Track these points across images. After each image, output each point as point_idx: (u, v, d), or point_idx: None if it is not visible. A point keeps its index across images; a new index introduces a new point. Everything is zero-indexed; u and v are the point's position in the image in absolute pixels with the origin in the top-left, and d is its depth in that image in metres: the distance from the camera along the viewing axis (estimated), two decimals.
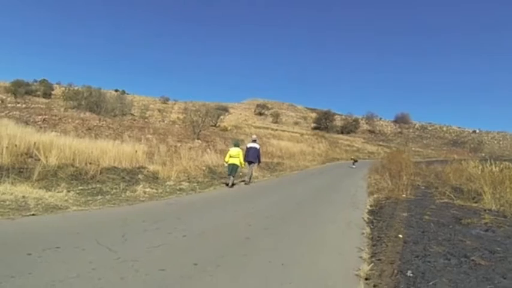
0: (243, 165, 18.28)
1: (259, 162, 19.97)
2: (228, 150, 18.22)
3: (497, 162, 21.11)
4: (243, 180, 19.30)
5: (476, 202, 13.50)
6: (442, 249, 7.20)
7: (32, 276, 4.93)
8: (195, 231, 8.11)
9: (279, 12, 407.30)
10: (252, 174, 19.52)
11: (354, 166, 37.72)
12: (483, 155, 66.26)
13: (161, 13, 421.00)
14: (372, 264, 6.46)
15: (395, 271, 5.99)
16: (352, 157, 43.18)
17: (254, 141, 20.25)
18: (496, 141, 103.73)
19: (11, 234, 6.85)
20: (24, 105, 44.29)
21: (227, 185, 17.31)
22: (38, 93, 69.61)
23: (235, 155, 17.55)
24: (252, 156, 19.16)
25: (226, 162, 17.62)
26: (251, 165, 19.25)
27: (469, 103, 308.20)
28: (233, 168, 17.34)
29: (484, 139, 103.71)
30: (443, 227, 9.36)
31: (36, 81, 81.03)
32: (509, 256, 6.78)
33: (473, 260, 6.47)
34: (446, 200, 14.08)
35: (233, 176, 17.38)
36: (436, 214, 11.14)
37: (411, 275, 5.77)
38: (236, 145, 18.39)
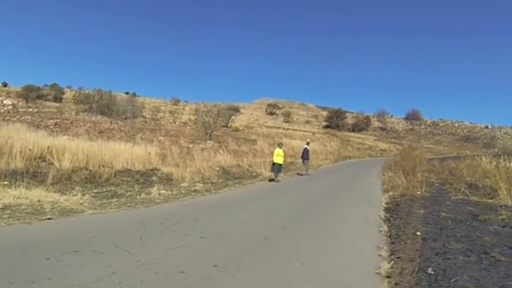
0: (284, 162, 21.49)
1: (309, 159, 26.20)
2: (274, 150, 20.91)
3: (511, 158, 20.97)
4: (298, 173, 25.19)
5: (491, 198, 13.46)
6: (461, 246, 7.16)
7: (51, 280, 4.94)
8: (212, 233, 8.09)
9: (288, 14, 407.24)
10: (307, 168, 25.66)
11: None
12: (496, 150, 65.71)
13: (170, 16, 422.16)
14: (392, 262, 6.44)
15: (416, 269, 5.95)
16: None
17: (307, 144, 26.76)
18: (509, 137, 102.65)
19: (29, 238, 6.86)
20: (35, 110, 44.54)
21: (271, 180, 19.95)
22: (49, 97, 69.72)
23: (280, 155, 20.24)
24: (306, 156, 25.43)
25: (273, 161, 20.29)
26: (307, 161, 25.63)
27: (480, 99, 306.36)
28: (276, 166, 20.06)
29: (496, 134, 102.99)
30: (461, 224, 9.32)
31: (46, 85, 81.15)
32: None
33: (493, 256, 6.44)
34: (461, 197, 14.00)
35: (276, 172, 20.10)
36: (452, 211, 11.09)
37: (432, 272, 5.74)
38: (280, 146, 21.42)
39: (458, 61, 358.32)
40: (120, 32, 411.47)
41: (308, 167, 25.98)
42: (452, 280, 5.35)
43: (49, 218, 8.44)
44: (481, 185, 16.50)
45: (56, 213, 8.96)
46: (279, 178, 20.07)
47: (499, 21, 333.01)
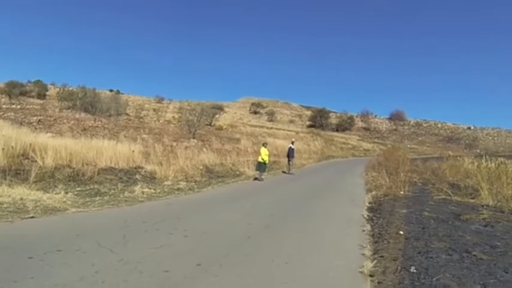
0: (267, 162, 21.54)
1: (294, 158, 27.10)
2: (260, 150, 21.41)
3: (492, 158, 21.23)
4: (284, 171, 26.14)
5: (473, 198, 13.61)
6: (443, 244, 7.23)
7: (34, 280, 4.88)
8: (196, 231, 8.08)
9: (273, 13, 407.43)
10: (292, 167, 26.38)
11: None
12: (478, 151, 66.63)
13: (155, 14, 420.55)
14: (375, 261, 6.48)
15: (399, 267, 6.00)
16: None
17: (292, 143, 27.95)
18: (490, 138, 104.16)
19: (11, 237, 6.78)
20: (19, 106, 44.20)
21: (256, 179, 20.12)
22: (33, 94, 69.16)
23: (264, 154, 20.66)
24: (291, 155, 26.21)
25: (258, 160, 20.75)
26: (292, 160, 26.34)
27: (463, 100, 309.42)
28: (262, 165, 20.43)
29: (478, 135, 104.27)
30: (443, 223, 9.40)
31: (30, 82, 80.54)
32: (510, 251, 6.84)
33: (474, 255, 6.50)
34: (443, 197, 14.12)
35: (260, 171, 20.35)
36: (435, 210, 11.18)
37: (415, 271, 5.79)
38: (265, 145, 21.88)
39: (442, 63, 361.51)
40: (105, 29, 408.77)
41: (292, 166, 26.47)
42: (435, 278, 5.40)
43: (32, 217, 8.36)
44: (463, 185, 16.71)
45: (38, 211, 8.87)
46: (262, 177, 20.15)
47: (483, 24, 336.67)
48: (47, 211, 9.01)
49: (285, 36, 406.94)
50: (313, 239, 8.36)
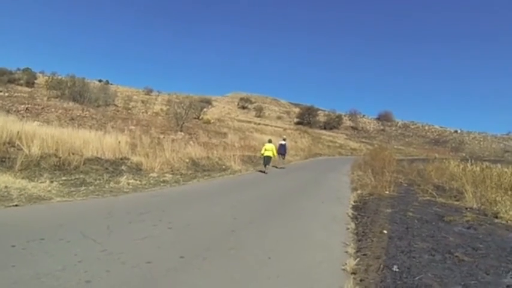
0: (275, 157, 23.88)
1: (286, 154, 28.05)
2: (264, 145, 23.17)
3: (477, 162, 21.42)
4: (274, 166, 25.64)
5: (458, 200, 13.72)
6: (426, 245, 7.29)
7: (15, 268, 4.85)
8: (180, 224, 8.07)
9: (265, 10, 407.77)
10: (283, 162, 27.37)
11: None
12: (464, 154, 67.11)
13: (147, 6, 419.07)
14: (358, 259, 6.51)
15: (382, 266, 6.04)
16: None
17: (284, 140, 28.73)
18: (476, 142, 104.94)
19: None
20: (6, 94, 43.72)
21: (263, 172, 21.77)
22: (21, 82, 68.41)
23: (269, 149, 22.29)
24: (281, 151, 26.77)
25: (262, 155, 22.42)
26: (281, 156, 26.84)
27: (451, 104, 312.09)
28: (266, 159, 22.00)
29: (465, 139, 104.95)
30: (427, 224, 9.47)
31: (19, 69, 79.91)
32: (491, 253, 6.92)
33: (457, 256, 6.57)
34: (428, 198, 14.22)
35: (267, 165, 22.03)
36: (419, 211, 11.26)
37: (397, 269, 5.83)
38: (270, 141, 23.48)
39: (432, 65, 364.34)
40: (96, 20, 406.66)
41: (283, 161, 27.46)
42: (417, 278, 5.45)
43: (16, 205, 8.29)
44: (448, 187, 16.87)
45: (23, 200, 8.79)
46: (267, 170, 21.76)
47: (473, 28, 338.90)
48: (31, 200, 8.93)
49: (276, 33, 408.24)
50: (297, 235, 8.38)
